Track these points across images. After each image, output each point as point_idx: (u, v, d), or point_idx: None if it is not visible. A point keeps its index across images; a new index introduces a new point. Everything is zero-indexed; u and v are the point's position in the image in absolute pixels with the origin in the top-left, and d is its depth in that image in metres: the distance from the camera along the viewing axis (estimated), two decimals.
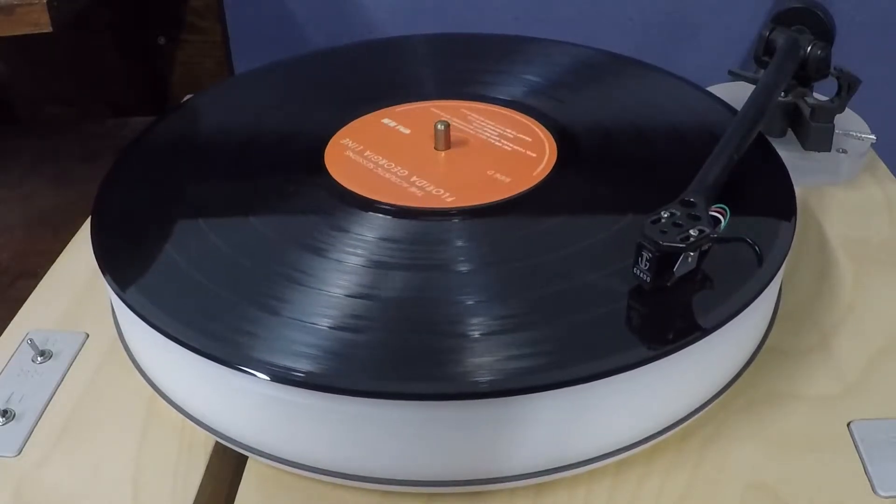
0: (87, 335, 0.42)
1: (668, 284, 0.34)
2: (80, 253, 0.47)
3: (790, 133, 0.53)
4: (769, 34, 0.52)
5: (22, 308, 0.44)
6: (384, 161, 0.44)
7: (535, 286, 0.36)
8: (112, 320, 0.41)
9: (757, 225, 0.39)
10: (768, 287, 0.36)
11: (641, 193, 0.41)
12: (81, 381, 0.39)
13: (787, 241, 0.38)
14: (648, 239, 0.34)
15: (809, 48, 0.51)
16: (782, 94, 0.51)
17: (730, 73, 0.53)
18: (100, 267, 0.38)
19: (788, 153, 0.50)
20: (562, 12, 0.74)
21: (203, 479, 0.34)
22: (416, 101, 0.50)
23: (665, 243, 0.34)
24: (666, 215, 0.35)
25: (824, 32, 0.53)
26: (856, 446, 0.35)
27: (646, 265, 0.34)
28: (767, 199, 0.41)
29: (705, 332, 0.33)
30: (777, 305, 0.41)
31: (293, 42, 0.76)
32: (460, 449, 0.33)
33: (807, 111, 0.52)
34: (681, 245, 0.34)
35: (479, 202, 0.41)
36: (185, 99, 0.54)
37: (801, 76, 0.52)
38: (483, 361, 0.32)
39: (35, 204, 0.64)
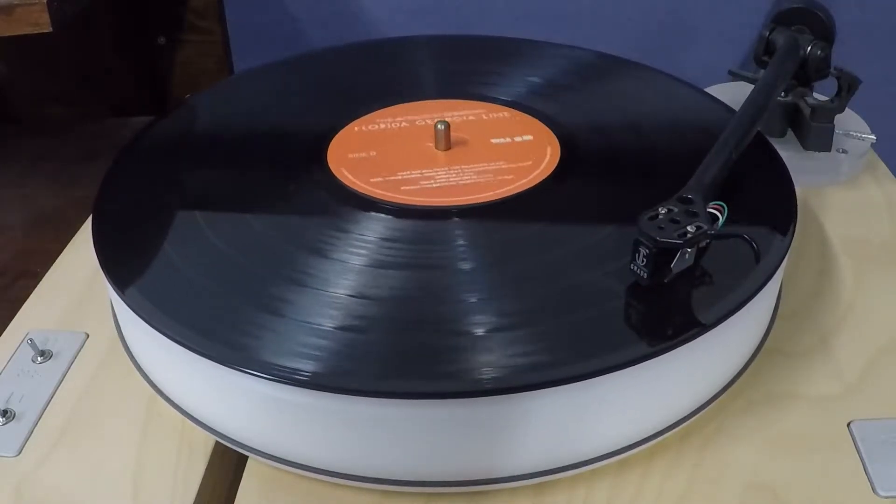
0: (87, 335, 0.42)
1: (666, 281, 0.34)
2: (80, 253, 0.47)
3: (790, 133, 0.53)
4: (769, 34, 0.52)
5: (22, 308, 0.44)
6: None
7: (536, 284, 0.36)
8: (112, 320, 0.41)
9: (757, 223, 0.39)
10: (768, 285, 0.36)
11: (641, 193, 0.41)
12: (81, 381, 0.39)
13: (786, 239, 0.38)
14: (645, 235, 0.34)
15: (809, 48, 0.51)
16: (782, 94, 0.52)
17: (730, 73, 0.53)
18: (101, 266, 0.38)
19: (788, 153, 0.50)
20: (562, 13, 0.74)
21: (203, 479, 0.34)
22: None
23: (662, 239, 0.33)
24: (663, 211, 0.35)
25: (824, 32, 0.53)
26: (856, 446, 0.35)
27: (643, 261, 0.34)
28: (768, 197, 0.41)
29: (704, 328, 0.33)
30: (777, 305, 0.41)
31: (293, 42, 0.76)
32: (460, 449, 0.32)
33: (807, 111, 0.52)
34: (678, 241, 0.33)
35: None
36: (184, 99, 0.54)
37: (801, 76, 0.52)
38: (484, 359, 0.32)
39: (35, 204, 0.63)
